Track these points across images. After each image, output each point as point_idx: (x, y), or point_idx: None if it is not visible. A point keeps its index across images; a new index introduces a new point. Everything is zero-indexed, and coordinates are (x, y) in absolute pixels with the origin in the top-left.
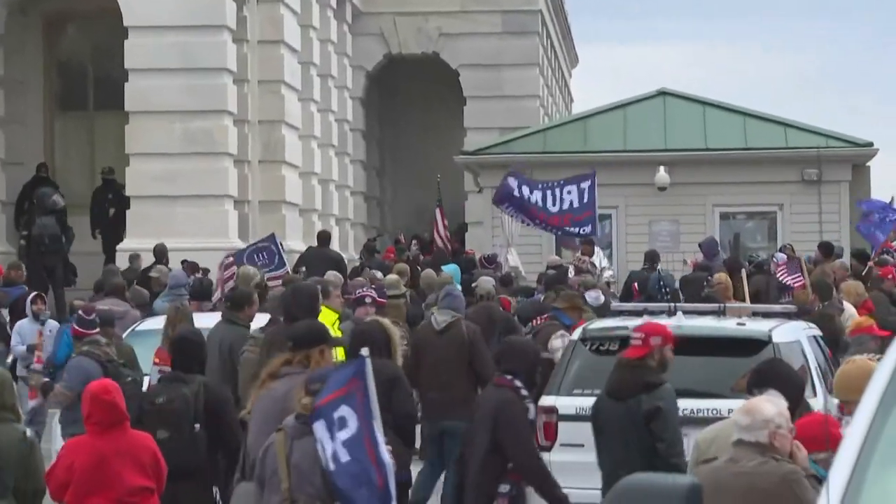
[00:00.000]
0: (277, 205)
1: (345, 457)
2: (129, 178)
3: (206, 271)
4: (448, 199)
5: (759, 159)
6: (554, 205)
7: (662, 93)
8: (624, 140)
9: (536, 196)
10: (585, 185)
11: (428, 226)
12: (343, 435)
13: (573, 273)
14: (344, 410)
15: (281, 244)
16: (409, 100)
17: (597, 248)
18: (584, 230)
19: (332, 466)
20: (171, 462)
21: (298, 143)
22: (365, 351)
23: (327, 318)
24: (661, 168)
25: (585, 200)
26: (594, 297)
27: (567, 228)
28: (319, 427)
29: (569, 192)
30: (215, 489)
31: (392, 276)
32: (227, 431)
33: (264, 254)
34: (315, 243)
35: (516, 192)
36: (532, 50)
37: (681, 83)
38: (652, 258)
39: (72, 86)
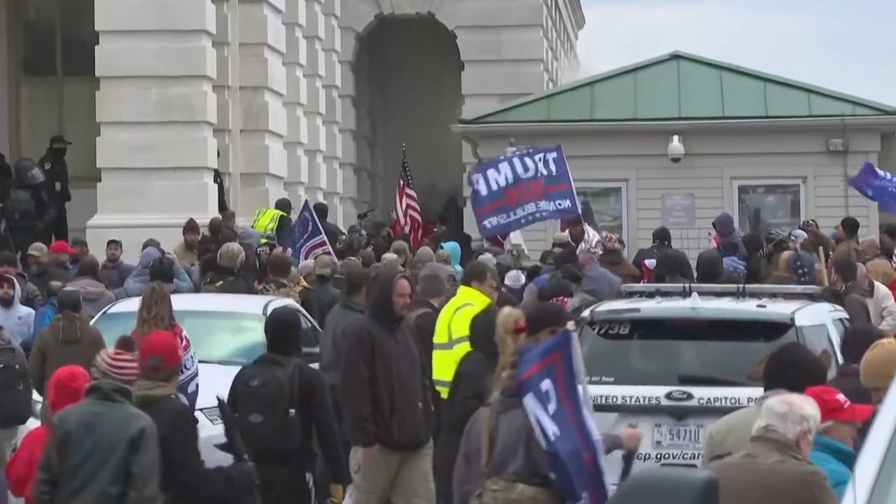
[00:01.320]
0: (260, 177)
1: (556, 431)
2: (100, 149)
3: (162, 251)
4: (445, 172)
5: (781, 128)
6: (526, 171)
7: (676, 56)
8: (634, 108)
9: (505, 171)
10: (551, 156)
11: (428, 201)
12: (550, 409)
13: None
14: (546, 384)
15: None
16: (402, 64)
17: (586, 227)
18: (562, 205)
19: (547, 441)
20: (264, 447)
21: (283, 110)
22: (571, 325)
23: (480, 301)
24: (675, 138)
25: (555, 173)
26: (514, 277)
27: (544, 205)
28: (530, 401)
29: (540, 159)
30: (308, 475)
31: (389, 256)
32: (321, 416)
33: (300, 226)
34: None
35: (484, 190)
36: (535, 10)
37: (696, 46)
38: (661, 236)
39: (38, 49)
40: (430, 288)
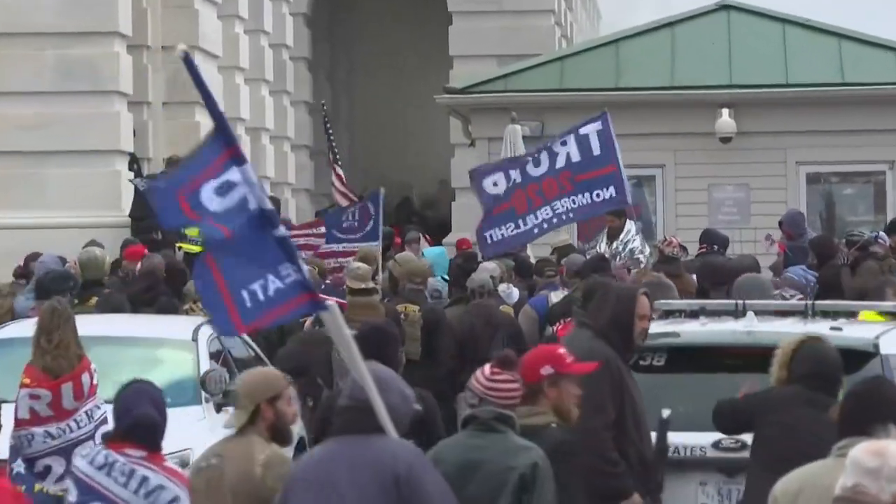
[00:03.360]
0: None
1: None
2: None
3: (63, 260)
4: (428, 155)
5: (862, 99)
6: (538, 167)
7: (725, 6)
8: (671, 73)
9: (514, 175)
10: (591, 129)
11: (406, 190)
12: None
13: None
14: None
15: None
16: (372, 18)
17: (628, 223)
18: (604, 195)
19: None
20: None
21: (218, 77)
22: None
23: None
24: (725, 112)
25: (598, 152)
26: (505, 291)
27: (579, 199)
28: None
29: (564, 144)
30: None
31: (357, 266)
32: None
33: (355, 214)
34: None
35: (491, 190)
36: None
37: None
38: (713, 240)
39: None
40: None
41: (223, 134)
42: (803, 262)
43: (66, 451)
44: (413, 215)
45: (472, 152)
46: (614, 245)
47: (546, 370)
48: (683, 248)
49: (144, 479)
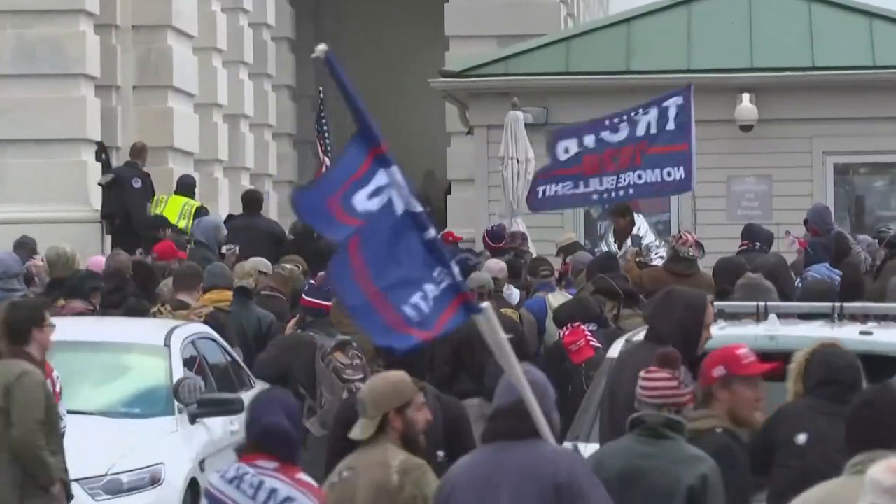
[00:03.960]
0: (162, 152)
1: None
2: None
3: (28, 255)
4: (421, 145)
5: (894, 84)
6: (615, 133)
7: None
8: (688, 55)
9: (588, 140)
10: (673, 102)
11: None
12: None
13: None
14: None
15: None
16: None
17: (637, 218)
18: (673, 174)
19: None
20: None
21: (193, 59)
22: None
23: None
24: (745, 97)
25: (671, 126)
26: (505, 292)
27: (645, 175)
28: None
29: (645, 113)
30: None
31: None
32: None
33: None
34: (238, 209)
35: (562, 156)
36: None
37: None
38: (755, 236)
39: None
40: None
41: (368, 134)
42: (826, 259)
43: None
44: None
45: (469, 141)
46: (624, 247)
47: (718, 371)
48: (700, 246)
49: (273, 492)
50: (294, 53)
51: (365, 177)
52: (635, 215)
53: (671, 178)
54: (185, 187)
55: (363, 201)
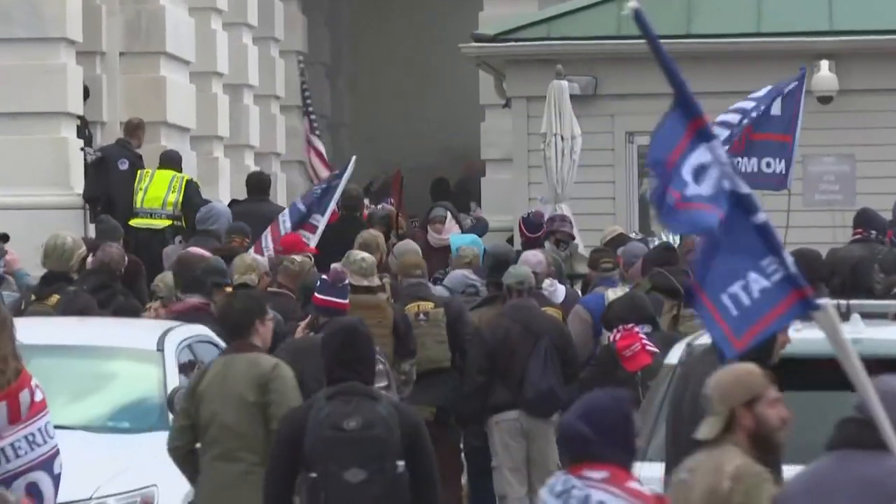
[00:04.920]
0: (153, 128)
1: None
2: None
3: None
4: (451, 119)
5: None
6: (748, 114)
7: None
8: (758, 17)
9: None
10: (788, 88)
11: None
12: None
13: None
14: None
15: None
16: None
17: None
18: (773, 167)
19: None
20: None
21: (189, 21)
22: None
23: None
24: (824, 64)
25: (776, 112)
26: (548, 287)
27: (742, 164)
28: None
29: (773, 96)
30: None
31: (361, 257)
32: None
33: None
34: (242, 194)
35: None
36: None
37: None
38: (869, 222)
39: None
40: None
41: (686, 103)
42: None
43: (3, 484)
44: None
45: (506, 115)
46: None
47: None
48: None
49: None
50: (305, 14)
51: (685, 154)
52: None
53: (770, 171)
54: (171, 162)
55: (693, 185)
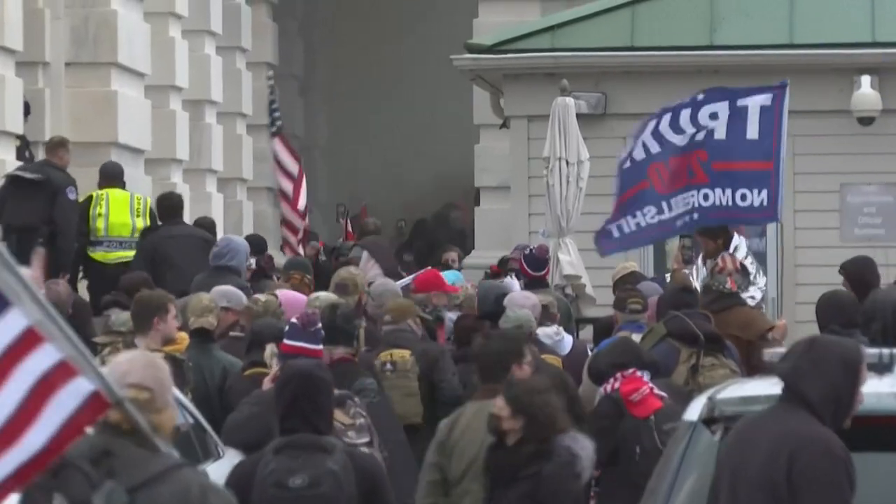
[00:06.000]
0: (103, 149)
1: None
2: None
3: None
4: (441, 141)
5: None
6: (679, 133)
7: None
8: (790, 25)
9: (649, 142)
10: (755, 101)
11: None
12: None
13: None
14: None
15: None
16: None
17: (736, 238)
18: (750, 199)
19: None
20: None
21: (144, 26)
22: None
23: None
24: (864, 80)
25: (752, 136)
26: (553, 336)
27: (713, 198)
28: None
29: (713, 117)
30: None
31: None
32: None
33: None
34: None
35: (628, 163)
36: None
37: None
38: None
39: None
40: None
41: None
42: None
43: None
44: (431, 238)
45: (504, 136)
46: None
47: None
48: (744, 271)
49: None
50: (276, 21)
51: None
52: (735, 236)
53: (746, 205)
54: (114, 179)
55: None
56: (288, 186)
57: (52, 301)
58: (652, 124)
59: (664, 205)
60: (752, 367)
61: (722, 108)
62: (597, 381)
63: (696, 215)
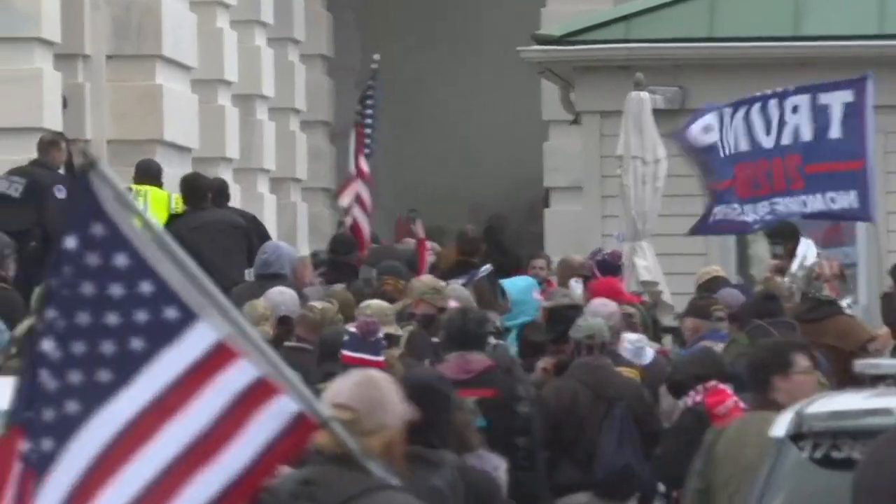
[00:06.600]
0: (147, 147)
1: None
2: None
3: None
4: (508, 138)
5: None
6: (768, 133)
7: None
8: (879, 13)
9: (731, 127)
10: (837, 98)
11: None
12: None
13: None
14: None
15: None
16: None
17: (803, 243)
18: (839, 201)
19: None
20: None
21: (191, 17)
22: None
23: None
24: None
25: (835, 135)
26: (634, 348)
27: (805, 201)
28: None
29: (795, 111)
30: None
31: (378, 304)
32: None
33: None
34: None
35: (713, 146)
36: None
37: None
38: None
39: None
40: None
41: None
42: None
43: None
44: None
45: (575, 133)
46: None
47: None
48: (842, 277)
49: None
50: (331, 11)
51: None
52: (802, 241)
53: (837, 207)
54: (149, 175)
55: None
56: (364, 190)
57: None
58: (742, 111)
59: (741, 207)
60: (849, 379)
61: (803, 102)
62: (676, 395)
63: (790, 213)
